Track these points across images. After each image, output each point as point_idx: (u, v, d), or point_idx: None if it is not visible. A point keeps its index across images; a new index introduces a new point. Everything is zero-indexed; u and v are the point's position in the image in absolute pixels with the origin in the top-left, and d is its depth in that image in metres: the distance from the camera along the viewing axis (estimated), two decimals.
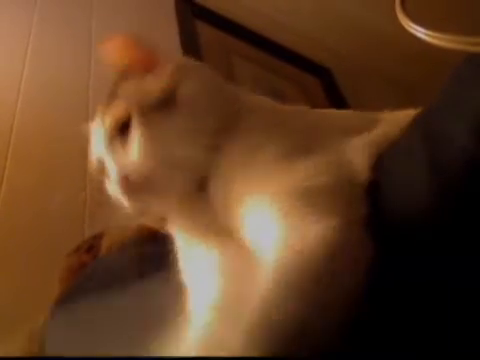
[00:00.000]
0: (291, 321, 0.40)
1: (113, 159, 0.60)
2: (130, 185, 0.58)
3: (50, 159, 1.29)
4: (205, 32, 2.11)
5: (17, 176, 1.27)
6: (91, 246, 1.06)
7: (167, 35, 1.94)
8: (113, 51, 0.65)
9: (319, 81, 2.47)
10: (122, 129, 0.60)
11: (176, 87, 0.60)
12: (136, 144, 0.58)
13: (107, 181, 0.63)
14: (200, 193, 0.59)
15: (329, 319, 0.41)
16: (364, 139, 0.54)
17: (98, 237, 1.06)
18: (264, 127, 0.58)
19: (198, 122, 0.60)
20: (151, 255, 0.80)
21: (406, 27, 0.59)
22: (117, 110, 0.60)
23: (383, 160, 0.51)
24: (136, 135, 0.58)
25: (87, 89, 1.55)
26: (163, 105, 0.59)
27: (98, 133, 0.63)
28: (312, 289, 0.41)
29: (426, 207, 0.45)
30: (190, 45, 1.96)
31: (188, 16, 2.08)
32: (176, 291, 0.58)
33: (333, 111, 0.71)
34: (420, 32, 0.55)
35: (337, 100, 2.36)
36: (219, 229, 0.56)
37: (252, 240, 0.51)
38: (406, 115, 0.58)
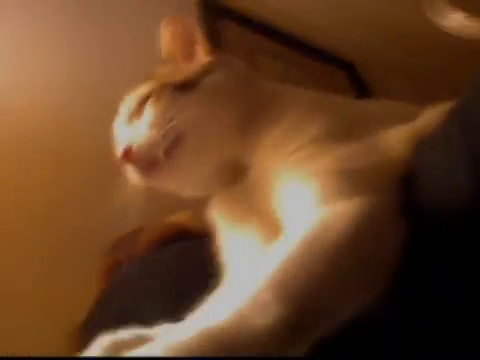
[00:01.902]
0: (312, 282, 0.42)
1: (127, 132, 0.62)
2: (129, 155, 0.58)
3: (83, 157, 1.31)
4: (228, 31, 2.11)
5: (59, 179, 1.31)
6: (127, 244, 1.09)
7: None
8: (166, 31, 0.67)
9: (344, 76, 2.46)
10: (142, 107, 0.61)
11: (203, 75, 0.62)
12: (147, 116, 0.60)
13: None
14: (238, 181, 0.60)
15: (351, 289, 0.43)
16: (406, 130, 0.54)
17: (134, 234, 1.09)
18: (307, 109, 0.58)
19: (221, 106, 0.61)
20: (188, 251, 0.81)
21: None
22: (141, 88, 0.62)
23: (421, 149, 0.51)
24: (148, 108, 0.60)
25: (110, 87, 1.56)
26: (184, 86, 0.60)
27: (124, 109, 0.65)
28: (336, 261, 0.43)
29: (464, 195, 0.45)
30: (213, 44, 1.96)
31: (210, 15, 2.09)
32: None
33: (374, 102, 0.72)
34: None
35: (362, 95, 2.34)
36: (260, 213, 0.57)
37: (287, 211, 0.52)
38: (443, 109, 0.58)
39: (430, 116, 0.57)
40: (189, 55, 0.65)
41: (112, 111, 0.67)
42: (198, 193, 0.64)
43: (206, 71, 0.63)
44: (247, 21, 2.25)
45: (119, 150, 0.60)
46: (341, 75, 2.45)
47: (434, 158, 0.51)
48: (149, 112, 0.59)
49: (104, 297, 0.97)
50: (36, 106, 1.39)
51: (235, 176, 0.60)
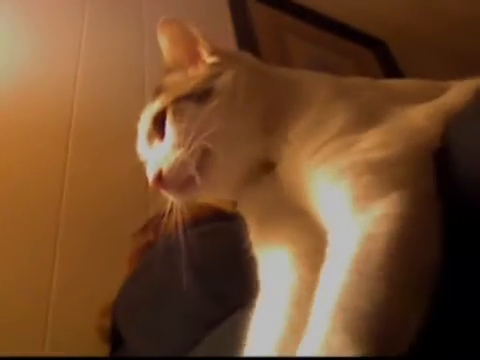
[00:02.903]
0: (376, 305, 0.39)
1: (150, 155, 0.60)
2: (166, 182, 0.57)
3: (112, 141, 1.32)
4: (257, 11, 2.09)
5: (80, 161, 1.33)
6: (157, 225, 1.10)
7: (219, 17, 1.94)
8: (164, 37, 0.65)
9: (374, 54, 2.41)
10: (160, 122, 0.59)
11: (214, 79, 0.59)
12: (169, 136, 0.58)
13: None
14: (266, 177, 0.58)
15: (411, 298, 0.40)
16: (433, 106, 0.52)
17: (163, 216, 1.09)
18: (327, 101, 0.56)
19: (241, 109, 0.58)
20: (218, 231, 0.81)
21: None
22: (156, 104, 0.60)
23: (452, 127, 0.49)
24: (169, 127, 0.58)
25: (143, 73, 1.57)
26: (200, 96, 0.58)
27: (142, 129, 0.63)
28: (391, 271, 0.40)
29: None
30: (242, 25, 1.95)
31: None
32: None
33: (398, 81, 0.69)
34: None
35: (393, 73, 2.29)
36: (290, 208, 0.55)
37: (323, 215, 0.50)
38: (473, 84, 0.56)
39: (459, 91, 0.55)
40: (193, 58, 0.63)
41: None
42: (232, 196, 0.64)
43: (216, 74, 0.60)
44: (276, 1, 2.22)
45: (150, 177, 0.58)
46: (372, 53, 2.40)
47: (468, 134, 0.48)
48: (171, 132, 0.58)
49: (135, 277, 0.98)
50: (52, 78, 1.40)
51: (264, 173, 0.59)
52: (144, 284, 0.94)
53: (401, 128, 0.50)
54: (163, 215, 1.09)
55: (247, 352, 0.51)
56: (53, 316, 1.17)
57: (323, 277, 0.44)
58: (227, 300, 0.72)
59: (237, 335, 0.56)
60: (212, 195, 0.61)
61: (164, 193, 0.60)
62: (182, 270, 0.86)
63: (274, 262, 0.55)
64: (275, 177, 0.57)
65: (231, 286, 0.73)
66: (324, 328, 0.40)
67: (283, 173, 0.56)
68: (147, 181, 0.61)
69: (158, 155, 0.58)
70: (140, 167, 0.65)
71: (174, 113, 0.58)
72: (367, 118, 0.52)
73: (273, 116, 0.58)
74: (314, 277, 0.48)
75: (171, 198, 0.61)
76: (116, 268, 1.08)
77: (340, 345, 0.38)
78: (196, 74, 0.61)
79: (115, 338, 1.01)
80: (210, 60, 0.62)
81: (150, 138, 0.61)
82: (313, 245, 0.52)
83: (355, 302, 0.40)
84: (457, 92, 0.56)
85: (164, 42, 0.65)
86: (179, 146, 0.56)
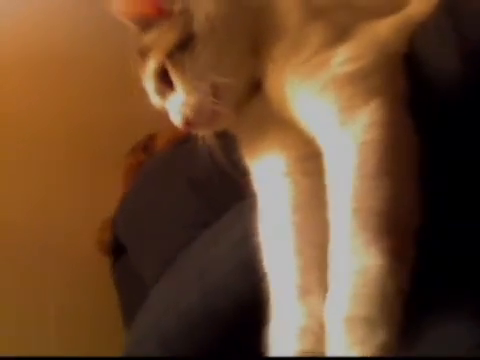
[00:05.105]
0: (385, 200, 0.46)
1: (168, 104, 0.64)
2: (190, 123, 0.62)
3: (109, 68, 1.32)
4: None
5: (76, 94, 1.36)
6: (146, 146, 1.17)
7: None
8: (124, 7, 0.66)
9: None
10: (164, 77, 0.63)
11: (189, 24, 0.62)
12: (179, 86, 0.62)
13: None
14: (256, 95, 0.63)
15: (409, 186, 0.48)
16: (397, 18, 0.58)
17: (152, 137, 1.17)
18: (303, 23, 0.60)
19: (225, 45, 0.62)
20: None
21: None
22: (151, 64, 0.63)
23: (415, 39, 0.56)
24: (175, 79, 0.62)
25: None
26: (185, 44, 0.61)
27: (148, 87, 0.66)
28: (389, 166, 0.48)
29: (458, 81, 0.51)
30: None
31: None
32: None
33: None
34: None
35: None
36: (279, 121, 0.61)
37: (311, 127, 0.56)
38: None
39: (420, 2, 0.60)
40: (159, 11, 0.65)
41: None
42: (233, 119, 0.66)
43: (188, 17, 0.63)
44: None
45: (178, 124, 0.63)
46: None
47: (428, 48, 0.55)
48: (179, 82, 0.62)
49: (134, 191, 1.07)
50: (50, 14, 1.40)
51: (253, 91, 0.63)
52: (142, 196, 1.04)
53: (372, 41, 0.56)
54: (151, 137, 1.16)
55: (268, 264, 0.58)
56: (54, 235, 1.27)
57: (330, 189, 0.50)
58: (218, 204, 0.81)
59: (234, 226, 0.66)
60: (232, 119, 0.66)
61: (196, 131, 0.65)
62: (176, 180, 0.94)
63: (267, 170, 0.61)
64: (263, 94, 0.62)
65: (222, 192, 0.82)
66: (345, 234, 0.46)
67: (270, 90, 0.61)
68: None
69: (176, 104, 0.63)
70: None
71: (173, 66, 0.62)
72: (340, 35, 0.58)
73: (256, 39, 0.62)
74: (308, 181, 0.57)
75: (202, 132, 0.65)
76: (111, 189, 1.18)
77: (364, 244, 0.45)
78: (170, 25, 0.64)
79: (116, 249, 1.12)
80: (177, 7, 0.65)
81: (161, 93, 0.65)
82: (303, 152, 0.59)
83: (367, 203, 0.46)
84: (419, 4, 0.61)
85: (126, 9, 0.66)
86: (192, 91, 0.61)
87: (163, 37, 0.63)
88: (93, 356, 1.17)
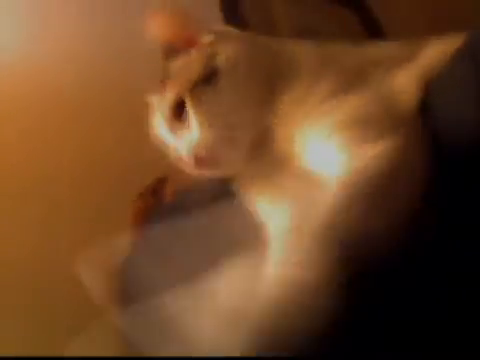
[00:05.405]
0: (355, 224, 0.46)
1: (178, 141, 0.64)
2: (201, 161, 0.62)
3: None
4: None
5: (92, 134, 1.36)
6: (155, 190, 1.15)
7: None
8: (155, 30, 0.67)
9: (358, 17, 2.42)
10: (178, 109, 0.63)
11: (215, 58, 0.63)
12: (193, 122, 0.62)
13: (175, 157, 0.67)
14: (264, 142, 0.63)
15: (389, 223, 0.47)
16: (413, 70, 0.57)
17: (161, 181, 1.15)
18: (313, 70, 0.61)
19: (245, 85, 0.63)
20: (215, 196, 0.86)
21: None
22: (169, 93, 0.64)
23: (433, 89, 0.55)
24: (191, 113, 0.62)
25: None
26: (209, 78, 0.62)
27: (158, 117, 0.67)
28: (374, 196, 0.47)
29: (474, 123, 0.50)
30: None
31: None
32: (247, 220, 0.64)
33: (377, 44, 0.74)
34: None
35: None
36: (285, 168, 0.61)
37: (317, 169, 0.56)
38: (451, 42, 0.61)
39: (436, 50, 0.60)
40: (189, 40, 0.66)
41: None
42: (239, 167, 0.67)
43: (214, 52, 0.64)
44: None
45: (188, 161, 0.63)
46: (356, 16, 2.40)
47: (447, 98, 0.54)
48: (195, 118, 0.62)
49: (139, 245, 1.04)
50: (59, 57, 1.41)
51: (261, 140, 0.64)
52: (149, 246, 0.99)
53: (381, 94, 0.56)
54: (160, 180, 1.15)
55: None
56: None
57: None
58: None
59: None
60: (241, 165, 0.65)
61: (203, 172, 0.65)
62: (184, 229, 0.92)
63: (277, 220, 0.60)
64: (270, 145, 0.62)
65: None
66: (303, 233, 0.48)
67: (280, 136, 0.61)
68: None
69: (188, 141, 0.62)
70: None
71: (192, 100, 0.62)
72: (353, 81, 0.58)
73: (267, 85, 0.63)
74: None
75: (209, 174, 0.66)
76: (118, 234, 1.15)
77: (311, 251, 0.45)
78: (196, 56, 0.65)
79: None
80: (207, 40, 0.65)
81: (172, 126, 0.65)
82: (306, 195, 0.58)
83: (337, 216, 0.47)
84: (435, 53, 0.61)
85: (157, 33, 0.68)
86: (207, 127, 0.61)
87: (188, 67, 0.63)
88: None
